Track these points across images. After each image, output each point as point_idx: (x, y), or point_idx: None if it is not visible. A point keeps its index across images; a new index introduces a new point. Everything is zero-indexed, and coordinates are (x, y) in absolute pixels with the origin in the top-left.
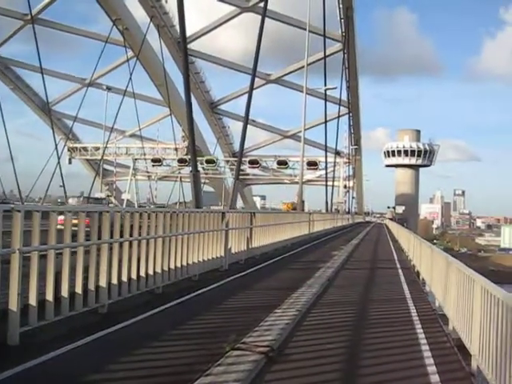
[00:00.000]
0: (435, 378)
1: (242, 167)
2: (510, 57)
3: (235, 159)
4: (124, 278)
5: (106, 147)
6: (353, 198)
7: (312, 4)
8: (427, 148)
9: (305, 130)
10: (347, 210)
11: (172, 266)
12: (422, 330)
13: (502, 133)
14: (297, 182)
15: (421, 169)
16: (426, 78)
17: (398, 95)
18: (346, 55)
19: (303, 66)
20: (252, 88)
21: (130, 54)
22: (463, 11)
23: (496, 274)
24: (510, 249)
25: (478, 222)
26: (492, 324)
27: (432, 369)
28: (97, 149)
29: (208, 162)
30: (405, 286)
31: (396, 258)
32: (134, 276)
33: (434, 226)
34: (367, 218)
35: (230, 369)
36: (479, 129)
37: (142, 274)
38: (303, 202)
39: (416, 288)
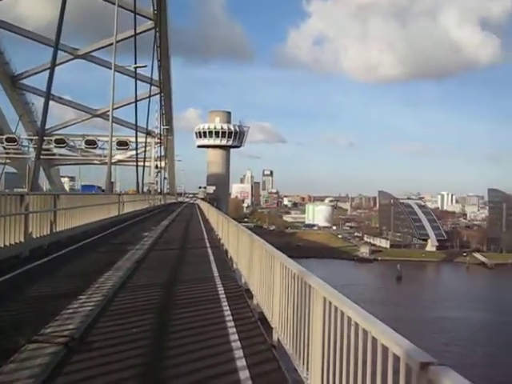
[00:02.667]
0: (239, 352)
1: (47, 147)
2: (312, 46)
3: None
4: None
5: None
6: (165, 178)
7: None
8: (237, 129)
9: (114, 108)
10: (159, 190)
11: None
12: (228, 308)
13: (304, 116)
14: (106, 163)
15: (231, 149)
16: (238, 62)
17: (211, 77)
18: (157, 34)
19: (113, 43)
20: (54, 62)
21: None
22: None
23: (301, 249)
24: (313, 225)
25: (285, 201)
26: (289, 297)
27: (236, 344)
28: None
29: (8, 140)
30: (213, 265)
31: (206, 237)
32: None
33: (245, 205)
34: (180, 199)
35: (24, 365)
36: (284, 112)
37: None
38: (112, 183)
39: (224, 266)
